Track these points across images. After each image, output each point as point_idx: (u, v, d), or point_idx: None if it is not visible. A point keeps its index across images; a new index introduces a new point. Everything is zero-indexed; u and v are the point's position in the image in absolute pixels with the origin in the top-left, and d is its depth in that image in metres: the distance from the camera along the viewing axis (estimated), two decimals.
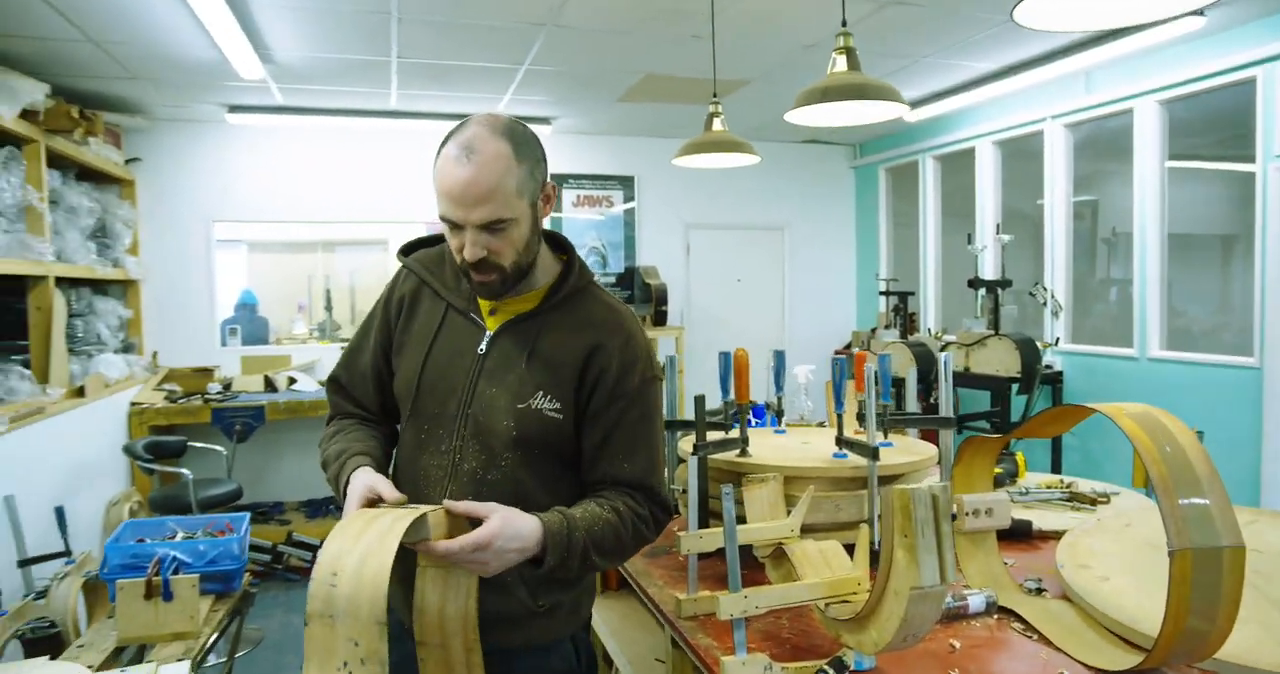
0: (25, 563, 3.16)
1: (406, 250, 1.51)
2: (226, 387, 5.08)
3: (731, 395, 2.03)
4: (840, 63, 2.20)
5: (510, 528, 1.17)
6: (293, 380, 5.26)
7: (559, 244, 1.46)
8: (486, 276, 1.30)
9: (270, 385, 5.14)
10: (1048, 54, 4.24)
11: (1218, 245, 4.69)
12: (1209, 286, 4.64)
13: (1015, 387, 4.33)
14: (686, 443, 2.22)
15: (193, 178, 5.41)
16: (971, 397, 5.12)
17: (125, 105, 4.88)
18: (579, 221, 6.09)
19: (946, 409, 2.13)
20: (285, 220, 5.70)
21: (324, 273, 7.17)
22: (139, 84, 4.47)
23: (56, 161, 4.12)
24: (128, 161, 5.05)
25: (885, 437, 1.97)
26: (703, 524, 1.79)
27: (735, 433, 1.98)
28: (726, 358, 2.22)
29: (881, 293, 5.68)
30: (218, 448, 4.36)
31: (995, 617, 1.57)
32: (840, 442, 1.97)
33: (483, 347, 1.37)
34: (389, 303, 1.48)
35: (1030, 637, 1.50)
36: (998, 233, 4.85)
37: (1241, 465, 3.76)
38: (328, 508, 5.23)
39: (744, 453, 1.95)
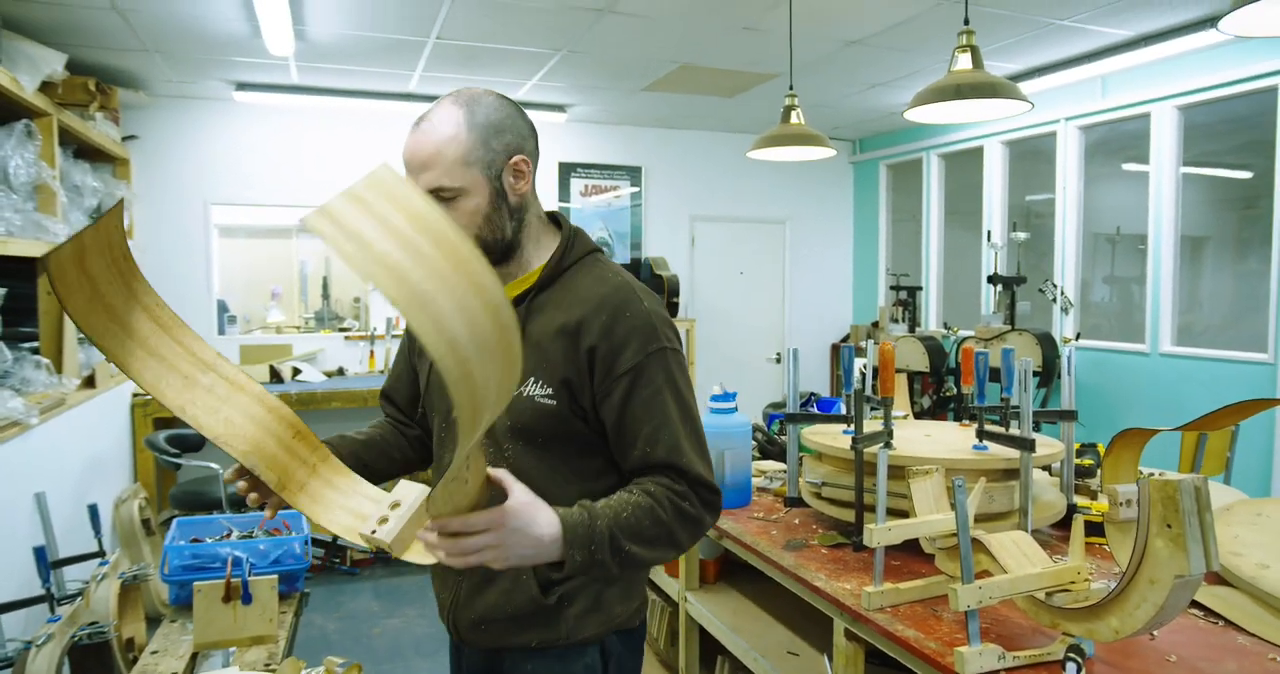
0: (60, 564, 2.99)
1: None
2: None
3: (864, 389, 2.04)
4: (964, 60, 2.22)
5: (527, 513, 1.05)
6: (297, 371, 5.08)
7: (558, 221, 1.39)
8: None
9: (276, 376, 4.96)
10: (1067, 60, 4.36)
11: (1202, 244, 4.90)
12: (1209, 285, 4.85)
13: (1034, 380, 4.46)
14: (811, 433, 2.23)
15: (192, 158, 5.17)
16: (991, 389, 5.25)
17: (126, 79, 4.63)
18: (586, 211, 6.03)
19: (1069, 402, 2.19)
20: (287, 205, 5.47)
21: (299, 259, 6.91)
22: (148, 57, 4.24)
23: (62, 137, 3.87)
24: (125, 139, 4.79)
25: (981, 434, 2.00)
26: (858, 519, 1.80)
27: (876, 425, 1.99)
28: (849, 351, 2.24)
29: (892, 287, 5.77)
30: None
31: None
32: (982, 434, 2.00)
33: None
34: None
35: (1215, 623, 1.55)
36: (1014, 229, 4.97)
37: (1256, 455, 3.94)
38: None
39: (888, 445, 1.97)
